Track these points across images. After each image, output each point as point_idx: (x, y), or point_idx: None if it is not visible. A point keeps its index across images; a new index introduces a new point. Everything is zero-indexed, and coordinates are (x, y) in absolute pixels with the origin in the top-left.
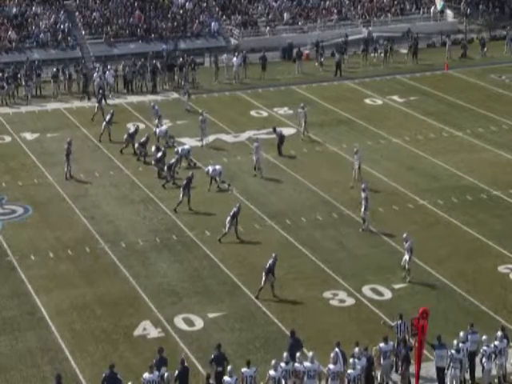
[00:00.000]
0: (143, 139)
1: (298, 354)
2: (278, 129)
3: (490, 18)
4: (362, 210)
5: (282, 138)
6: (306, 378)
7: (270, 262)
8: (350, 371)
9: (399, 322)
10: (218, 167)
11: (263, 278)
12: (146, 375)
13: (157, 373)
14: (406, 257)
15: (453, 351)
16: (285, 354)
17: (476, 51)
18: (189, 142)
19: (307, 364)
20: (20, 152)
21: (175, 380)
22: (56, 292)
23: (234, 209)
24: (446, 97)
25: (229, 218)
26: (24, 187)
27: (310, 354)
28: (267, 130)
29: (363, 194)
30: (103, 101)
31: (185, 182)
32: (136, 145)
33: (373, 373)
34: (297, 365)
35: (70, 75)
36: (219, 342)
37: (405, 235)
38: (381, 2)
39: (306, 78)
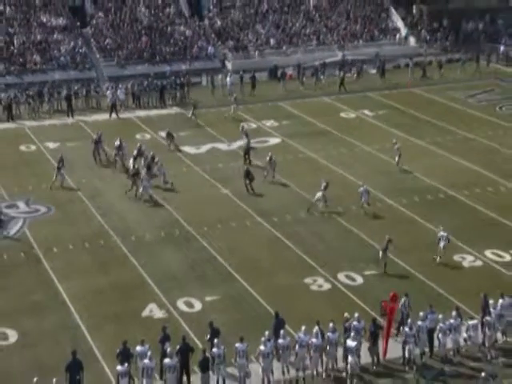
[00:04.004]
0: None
1: (281, 332)
2: (247, 136)
3: (446, 44)
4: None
5: (248, 145)
6: (297, 347)
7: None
8: (350, 343)
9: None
10: (163, 170)
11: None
12: (138, 348)
13: (143, 347)
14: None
15: (406, 329)
16: (266, 333)
17: (434, 72)
18: (188, 150)
19: (300, 335)
20: (43, 159)
21: (176, 354)
22: (75, 280)
23: (245, 167)
24: (409, 111)
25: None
26: (47, 189)
27: (303, 327)
28: (256, 140)
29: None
30: (116, 114)
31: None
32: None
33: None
34: (281, 341)
35: (88, 92)
36: (211, 320)
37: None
38: (353, 29)
39: (289, 95)
